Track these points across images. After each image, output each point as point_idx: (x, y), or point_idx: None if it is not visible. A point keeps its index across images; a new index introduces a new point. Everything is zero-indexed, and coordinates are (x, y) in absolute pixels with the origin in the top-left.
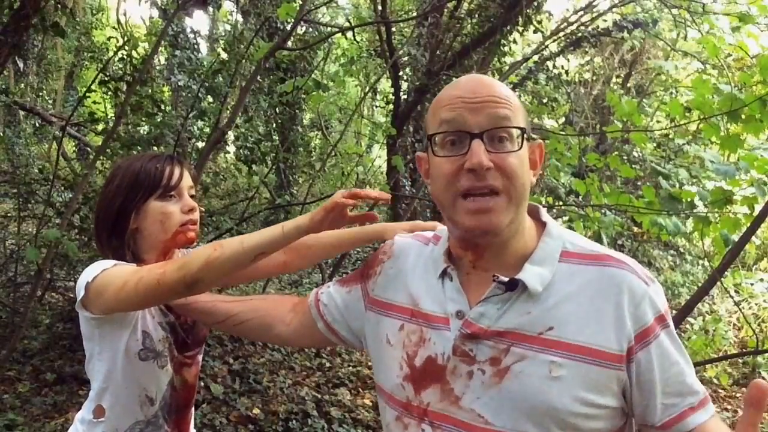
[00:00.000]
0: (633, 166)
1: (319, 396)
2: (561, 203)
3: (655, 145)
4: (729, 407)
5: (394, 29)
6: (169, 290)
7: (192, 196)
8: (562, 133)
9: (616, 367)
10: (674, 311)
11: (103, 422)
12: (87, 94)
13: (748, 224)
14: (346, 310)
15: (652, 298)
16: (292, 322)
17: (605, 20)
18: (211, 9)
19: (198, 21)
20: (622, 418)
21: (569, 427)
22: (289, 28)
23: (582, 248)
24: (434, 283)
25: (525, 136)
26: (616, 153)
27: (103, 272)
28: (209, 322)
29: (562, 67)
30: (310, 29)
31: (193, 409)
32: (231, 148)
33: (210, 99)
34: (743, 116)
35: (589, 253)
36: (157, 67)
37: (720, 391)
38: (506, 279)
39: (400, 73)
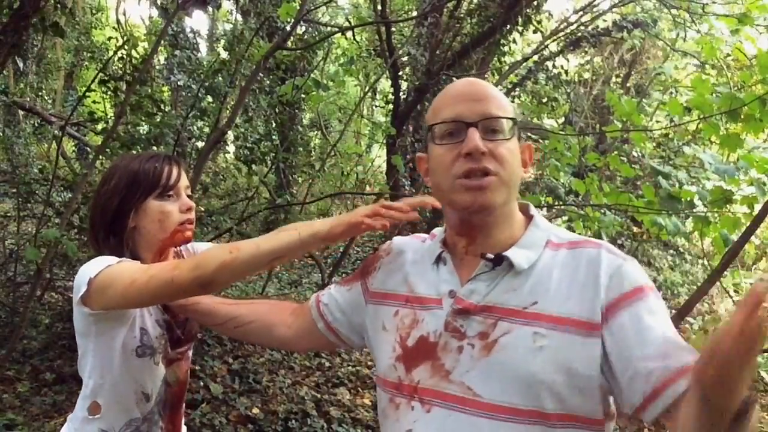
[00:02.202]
0: (633, 165)
1: (319, 396)
2: (561, 203)
3: (654, 145)
4: None
5: (394, 29)
6: (182, 289)
7: (188, 197)
8: (562, 133)
9: (595, 335)
10: (673, 311)
11: (99, 419)
12: (86, 94)
13: (748, 224)
14: (348, 307)
15: (627, 270)
16: (293, 325)
17: (605, 20)
18: (211, 9)
19: (198, 21)
20: (606, 401)
21: (554, 397)
22: (289, 28)
23: (565, 239)
24: (429, 269)
25: (516, 131)
26: (615, 153)
27: (108, 268)
28: (210, 323)
29: (562, 67)
30: (310, 29)
31: (184, 405)
32: (231, 148)
33: (210, 99)
34: (743, 116)
35: (570, 240)
36: (157, 67)
37: None
38: (493, 255)
39: (400, 73)
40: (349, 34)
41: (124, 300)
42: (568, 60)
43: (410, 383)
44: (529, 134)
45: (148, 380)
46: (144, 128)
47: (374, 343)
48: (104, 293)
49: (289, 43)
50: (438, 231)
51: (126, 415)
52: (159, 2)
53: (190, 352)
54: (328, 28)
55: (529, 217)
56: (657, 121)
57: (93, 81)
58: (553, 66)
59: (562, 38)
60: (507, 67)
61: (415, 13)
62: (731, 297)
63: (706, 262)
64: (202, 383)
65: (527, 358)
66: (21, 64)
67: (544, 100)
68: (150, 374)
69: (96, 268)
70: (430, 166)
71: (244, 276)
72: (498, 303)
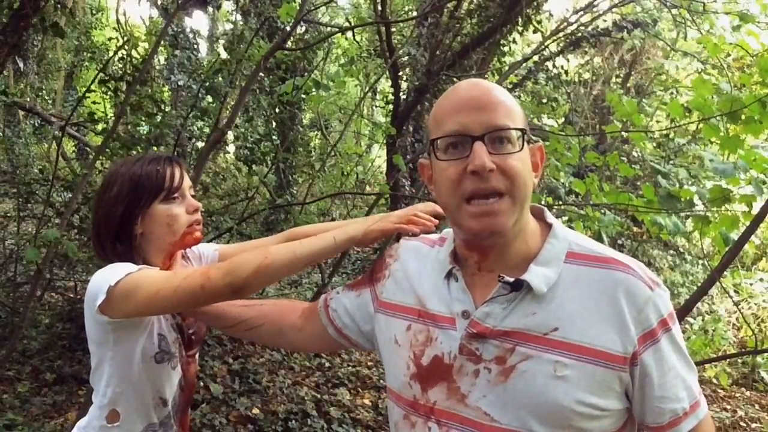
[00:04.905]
0: (633, 165)
1: (319, 396)
2: (560, 203)
3: (654, 145)
4: (728, 407)
5: (394, 29)
6: (213, 295)
7: (192, 196)
8: (562, 133)
9: (620, 369)
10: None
11: (118, 426)
12: (87, 94)
13: (748, 223)
14: (357, 313)
15: (656, 302)
16: (304, 328)
17: (605, 20)
18: (211, 9)
19: (198, 21)
20: (625, 417)
21: (573, 425)
22: (289, 28)
23: (588, 249)
24: (440, 283)
25: (525, 138)
26: (615, 152)
27: (129, 276)
28: (220, 326)
29: (562, 67)
30: (310, 29)
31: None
32: (231, 148)
33: (210, 99)
34: (743, 117)
35: (594, 254)
36: (157, 67)
37: (719, 391)
38: (511, 279)
39: (400, 73)
40: (349, 34)
41: (149, 307)
42: (568, 60)
43: (426, 403)
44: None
45: (166, 385)
46: (144, 128)
47: (386, 355)
48: (126, 301)
49: (289, 43)
50: (448, 235)
51: (144, 421)
52: (159, 2)
53: (197, 354)
54: (328, 28)
55: (545, 225)
56: (657, 121)
57: (93, 81)
58: (553, 66)
59: (562, 38)
60: (507, 68)
61: (415, 14)
62: (731, 297)
63: (706, 262)
64: (202, 383)
65: (547, 386)
66: (21, 65)
67: (544, 101)
68: (168, 379)
69: (115, 275)
70: (435, 179)
71: (277, 280)
72: (516, 328)
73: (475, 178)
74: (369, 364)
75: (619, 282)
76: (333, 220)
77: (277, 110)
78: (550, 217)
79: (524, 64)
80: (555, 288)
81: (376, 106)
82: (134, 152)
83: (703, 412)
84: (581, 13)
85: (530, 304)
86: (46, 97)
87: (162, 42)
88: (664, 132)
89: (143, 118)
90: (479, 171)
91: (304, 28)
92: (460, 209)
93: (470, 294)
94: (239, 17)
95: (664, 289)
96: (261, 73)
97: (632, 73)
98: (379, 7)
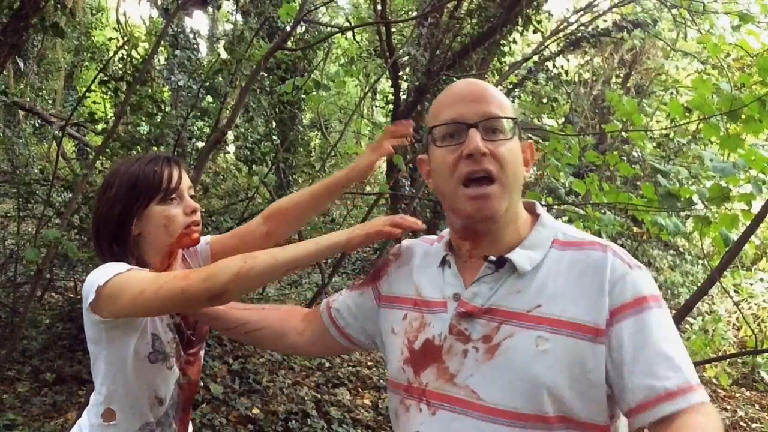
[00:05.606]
0: (633, 165)
1: (319, 396)
2: (560, 203)
3: (654, 145)
4: (728, 407)
5: (394, 29)
6: (192, 300)
7: (192, 197)
8: (562, 133)
9: (600, 341)
10: (673, 311)
11: (115, 425)
12: (87, 94)
13: (747, 222)
14: (360, 312)
15: (633, 279)
16: (305, 332)
17: (605, 20)
18: (211, 9)
19: (198, 21)
20: (612, 405)
21: (556, 402)
22: (289, 28)
23: (573, 237)
24: (435, 272)
25: (517, 131)
26: (615, 152)
27: (117, 276)
28: (219, 327)
29: (562, 67)
30: (311, 29)
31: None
32: (231, 148)
33: (210, 99)
34: (743, 116)
35: (578, 240)
36: (157, 68)
37: (719, 391)
38: (495, 258)
39: (400, 73)
40: (349, 34)
41: (134, 309)
42: (568, 60)
43: (419, 386)
44: (529, 134)
45: (161, 385)
46: (144, 128)
47: (385, 346)
48: (113, 302)
49: (289, 43)
50: (446, 232)
51: (140, 421)
52: (159, 2)
53: (202, 353)
54: (328, 28)
55: (535, 216)
56: (657, 121)
57: (93, 81)
58: (553, 66)
59: (562, 38)
60: (507, 68)
61: (415, 14)
62: (731, 297)
63: (706, 262)
64: (202, 383)
65: (530, 362)
66: (21, 65)
67: (545, 101)
68: (163, 379)
69: (104, 276)
70: (432, 168)
71: (259, 286)
72: (501, 306)
73: (470, 161)
74: (369, 364)
75: (597, 260)
76: (333, 220)
77: (277, 110)
78: (540, 209)
79: (524, 64)
80: (539, 269)
81: (376, 106)
82: (134, 152)
83: (699, 399)
84: (581, 13)
85: (515, 282)
86: (46, 97)
87: (162, 42)
88: (664, 132)
89: (143, 118)
90: (473, 153)
91: (304, 28)
92: (457, 193)
93: (462, 278)
94: (239, 17)
95: (645, 272)
96: (261, 73)
97: (632, 73)
98: (379, 7)
